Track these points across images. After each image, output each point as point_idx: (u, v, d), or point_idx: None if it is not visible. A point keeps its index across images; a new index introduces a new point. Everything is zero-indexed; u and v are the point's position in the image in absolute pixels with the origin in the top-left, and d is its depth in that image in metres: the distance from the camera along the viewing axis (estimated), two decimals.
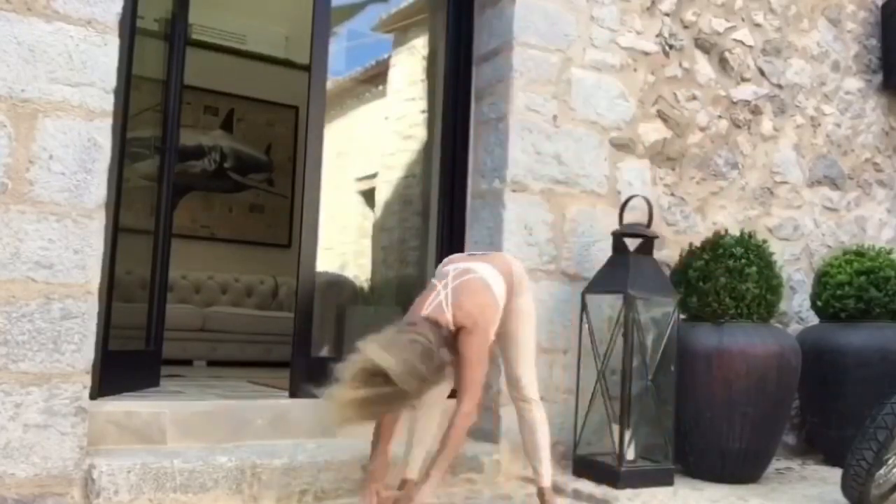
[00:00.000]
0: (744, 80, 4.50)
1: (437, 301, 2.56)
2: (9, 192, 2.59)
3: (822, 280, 4.24)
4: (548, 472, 2.90)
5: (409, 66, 5.54)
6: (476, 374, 2.52)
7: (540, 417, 2.89)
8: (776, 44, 4.65)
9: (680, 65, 4.27)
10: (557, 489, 3.20)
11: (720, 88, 4.41)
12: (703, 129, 4.33)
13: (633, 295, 3.40)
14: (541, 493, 2.90)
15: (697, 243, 3.86)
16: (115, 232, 3.18)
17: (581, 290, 3.62)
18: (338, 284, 5.69)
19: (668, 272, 3.88)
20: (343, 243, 7.21)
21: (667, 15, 4.24)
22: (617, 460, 3.35)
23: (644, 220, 3.70)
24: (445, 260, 2.89)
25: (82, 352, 2.68)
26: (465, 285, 2.61)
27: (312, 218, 3.67)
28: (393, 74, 5.81)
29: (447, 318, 2.51)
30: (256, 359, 6.26)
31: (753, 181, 4.50)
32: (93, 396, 2.80)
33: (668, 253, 4.07)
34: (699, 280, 3.67)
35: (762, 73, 4.58)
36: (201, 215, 7.17)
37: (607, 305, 3.62)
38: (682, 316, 3.66)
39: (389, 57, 5.86)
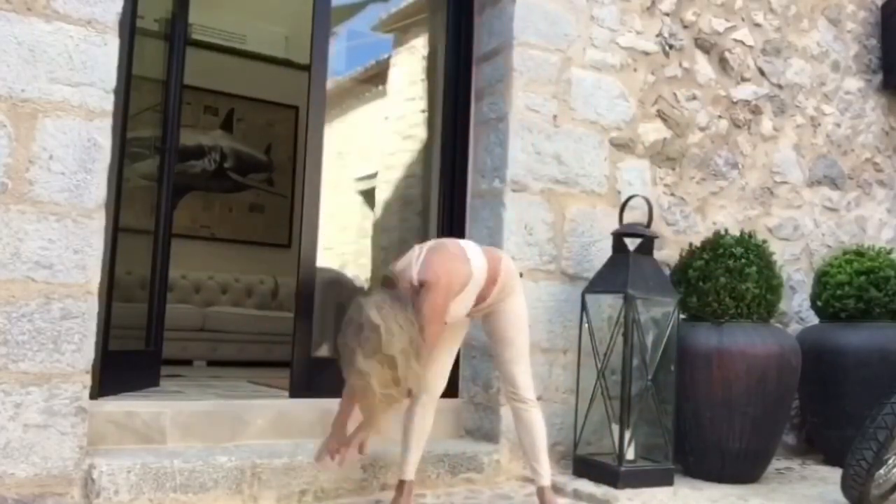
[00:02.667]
0: (744, 80, 4.51)
1: (409, 259, 2.61)
2: (9, 192, 2.59)
3: (822, 280, 4.24)
4: (547, 473, 2.90)
5: (409, 66, 5.54)
6: (427, 333, 2.46)
7: (537, 418, 2.89)
8: (776, 44, 4.65)
9: (680, 65, 4.27)
10: (557, 489, 3.20)
11: (720, 88, 4.41)
12: (703, 129, 4.33)
13: (633, 295, 3.40)
14: (541, 494, 2.90)
15: (697, 243, 3.86)
16: (115, 232, 3.18)
17: (581, 290, 3.62)
18: (338, 283, 5.69)
19: (668, 272, 3.88)
20: (343, 243, 7.21)
21: (667, 15, 4.24)
22: (617, 460, 3.35)
23: (644, 220, 3.70)
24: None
25: (82, 352, 2.68)
26: (441, 248, 2.67)
27: (312, 218, 3.67)
28: (393, 74, 5.80)
29: (412, 273, 2.53)
30: (256, 359, 6.26)
31: (753, 181, 4.50)
32: (93, 396, 2.80)
33: (668, 253, 4.06)
34: (699, 280, 3.67)
35: (762, 73, 4.58)
36: (201, 215, 7.17)
37: (607, 305, 3.62)
38: (682, 316, 3.66)
39: (389, 57, 5.86)
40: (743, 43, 4.51)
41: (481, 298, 2.76)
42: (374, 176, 5.94)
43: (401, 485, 2.87)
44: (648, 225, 3.67)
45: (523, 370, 2.87)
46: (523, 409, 2.88)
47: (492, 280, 2.74)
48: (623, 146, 4.02)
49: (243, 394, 3.88)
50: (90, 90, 2.73)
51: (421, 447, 2.89)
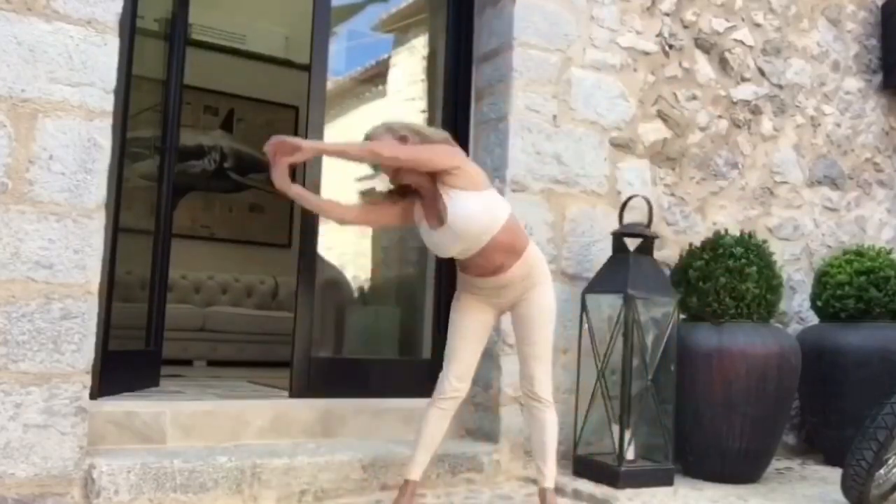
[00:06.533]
0: (744, 80, 4.51)
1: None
2: (9, 192, 2.59)
3: (822, 280, 4.24)
4: (552, 475, 2.90)
5: (409, 66, 5.53)
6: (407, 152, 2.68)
7: (551, 419, 2.88)
8: (776, 44, 4.65)
9: (680, 65, 4.27)
10: (557, 489, 3.20)
11: (720, 88, 4.41)
12: (703, 129, 4.33)
13: (633, 295, 3.40)
14: (542, 494, 2.90)
15: (697, 243, 3.86)
16: (115, 232, 3.18)
17: (581, 290, 3.62)
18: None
19: (668, 272, 3.88)
20: (343, 243, 7.21)
21: (667, 15, 4.24)
22: (617, 460, 3.35)
23: (644, 220, 3.70)
24: None
25: (82, 352, 2.68)
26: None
27: (312, 218, 3.67)
28: (393, 74, 5.80)
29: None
30: (256, 359, 6.26)
31: (753, 181, 4.50)
32: (93, 396, 2.80)
33: (668, 253, 4.06)
34: (699, 280, 3.67)
35: (762, 73, 4.58)
36: (201, 215, 7.17)
37: (607, 305, 3.61)
38: (682, 316, 3.66)
39: (389, 57, 5.86)
40: (743, 43, 4.51)
41: (498, 264, 2.70)
42: (374, 176, 5.94)
43: (405, 484, 2.86)
44: (648, 225, 3.67)
45: (545, 368, 2.85)
46: (539, 409, 2.87)
47: (513, 243, 2.71)
48: (623, 146, 4.02)
49: (243, 394, 3.89)
50: (90, 90, 2.73)
51: (432, 450, 2.89)
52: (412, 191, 2.80)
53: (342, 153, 2.86)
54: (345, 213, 2.97)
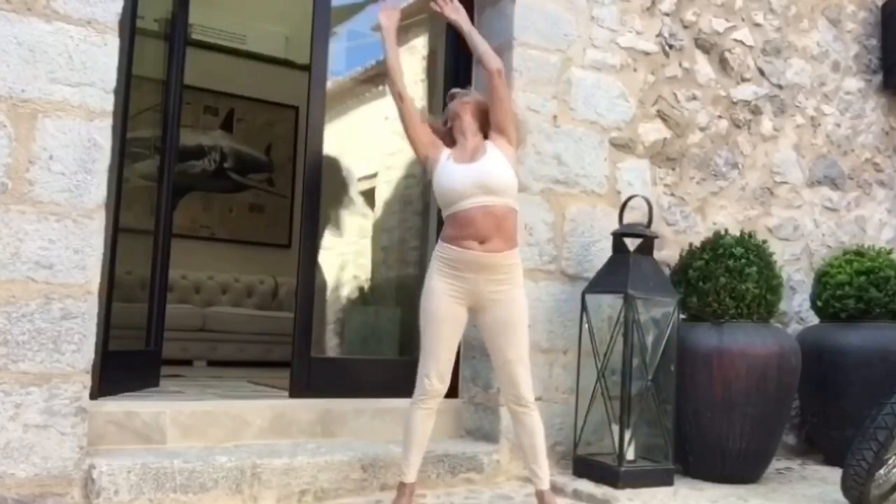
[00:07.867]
0: (744, 80, 4.51)
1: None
2: (9, 192, 2.59)
3: (822, 280, 4.24)
4: (546, 476, 2.89)
5: (409, 66, 5.53)
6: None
7: (538, 421, 2.87)
8: (776, 44, 4.65)
9: (680, 65, 4.27)
10: (557, 489, 3.20)
11: (720, 88, 4.41)
12: (703, 129, 4.33)
13: (633, 295, 3.40)
14: (540, 497, 2.89)
15: (697, 243, 3.86)
16: (115, 232, 3.18)
17: (581, 290, 3.62)
18: None
19: (668, 272, 3.88)
20: (343, 243, 7.21)
21: (667, 15, 4.24)
22: (617, 460, 3.35)
23: (644, 220, 3.70)
24: None
25: (82, 352, 2.68)
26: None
27: (312, 218, 3.67)
28: None
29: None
30: (256, 359, 6.27)
31: (753, 181, 4.50)
32: (93, 396, 2.81)
33: (668, 253, 4.06)
34: (699, 280, 3.67)
35: (762, 73, 4.58)
36: (201, 215, 7.17)
37: (607, 305, 3.62)
38: (682, 316, 3.66)
39: None
40: (743, 43, 4.51)
41: (491, 238, 2.76)
42: (374, 176, 5.94)
43: (402, 487, 2.86)
44: (648, 225, 3.67)
45: (525, 371, 2.84)
46: (524, 413, 2.86)
47: (511, 229, 2.84)
48: (623, 146, 4.02)
49: (243, 394, 3.89)
50: (90, 90, 2.73)
51: (422, 450, 2.88)
52: (446, 136, 2.99)
53: (473, 39, 2.98)
54: (401, 83, 2.96)
